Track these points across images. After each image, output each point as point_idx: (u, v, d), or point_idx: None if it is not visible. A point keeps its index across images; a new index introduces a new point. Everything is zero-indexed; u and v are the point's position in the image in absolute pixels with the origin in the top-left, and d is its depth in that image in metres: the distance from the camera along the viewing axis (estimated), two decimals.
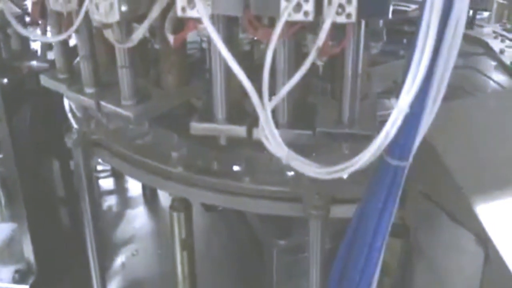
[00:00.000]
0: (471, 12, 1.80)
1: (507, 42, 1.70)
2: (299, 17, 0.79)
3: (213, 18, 0.87)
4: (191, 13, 0.84)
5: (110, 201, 1.95)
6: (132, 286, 1.64)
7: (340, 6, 0.78)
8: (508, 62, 1.54)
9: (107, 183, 1.98)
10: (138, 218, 1.87)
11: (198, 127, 0.99)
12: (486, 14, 2.03)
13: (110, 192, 1.96)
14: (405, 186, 1.01)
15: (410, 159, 0.79)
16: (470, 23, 1.79)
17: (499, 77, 1.51)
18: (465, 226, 0.89)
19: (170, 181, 1.12)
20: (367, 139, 0.91)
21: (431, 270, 1.02)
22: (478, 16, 1.88)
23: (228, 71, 0.92)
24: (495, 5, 1.99)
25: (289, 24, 0.82)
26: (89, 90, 1.09)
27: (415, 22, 0.74)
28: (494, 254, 0.83)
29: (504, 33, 1.76)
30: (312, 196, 1.00)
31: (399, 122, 0.74)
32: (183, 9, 0.84)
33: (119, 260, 1.67)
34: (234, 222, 1.63)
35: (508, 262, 0.81)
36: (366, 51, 0.94)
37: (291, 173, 1.06)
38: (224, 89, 0.96)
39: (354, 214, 0.86)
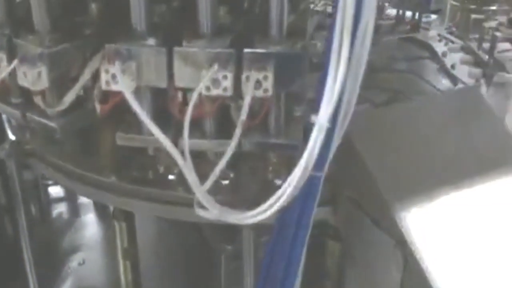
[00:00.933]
0: (417, 14, 1.83)
1: (450, 44, 1.73)
2: (219, 92, 0.84)
3: (140, 89, 0.90)
4: (115, 87, 0.86)
5: (60, 209, 1.91)
6: None
7: (258, 81, 0.82)
8: (449, 65, 1.57)
9: (56, 190, 1.93)
10: (87, 226, 1.84)
11: (124, 137, 0.98)
12: (434, 16, 2.06)
13: (59, 200, 1.92)
14: (334, 191, 1.02)
15: (326, 169, 0.79)
16: (417, 26, 1.82)
17: (440, 81, 1.53)
18: (388, 231, 0.90)
19: (103, 191, 1.11)
20: (293, 148, 0.92)
21: (360, 275, 1.04)
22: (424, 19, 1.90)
23: None
24: (448, 7, 2.01)
25: (210, 99, 0.86)
26: (15, 100, 1.06)
27: None
28: (412, 259, 0.84)
29: (448, 36, 1.80)
30: None
31: (321, 139, 0.74)
32: (107, 83, 0.86)
33: (65, 269, 1.64)
34: (185, 227, 1.62)
35: (425, 267, 0.83)
36: None
37: (225, 182, 1.06)
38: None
39: (274, 224, 0.86)
